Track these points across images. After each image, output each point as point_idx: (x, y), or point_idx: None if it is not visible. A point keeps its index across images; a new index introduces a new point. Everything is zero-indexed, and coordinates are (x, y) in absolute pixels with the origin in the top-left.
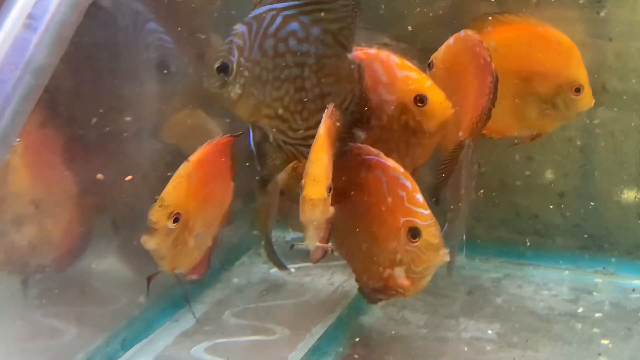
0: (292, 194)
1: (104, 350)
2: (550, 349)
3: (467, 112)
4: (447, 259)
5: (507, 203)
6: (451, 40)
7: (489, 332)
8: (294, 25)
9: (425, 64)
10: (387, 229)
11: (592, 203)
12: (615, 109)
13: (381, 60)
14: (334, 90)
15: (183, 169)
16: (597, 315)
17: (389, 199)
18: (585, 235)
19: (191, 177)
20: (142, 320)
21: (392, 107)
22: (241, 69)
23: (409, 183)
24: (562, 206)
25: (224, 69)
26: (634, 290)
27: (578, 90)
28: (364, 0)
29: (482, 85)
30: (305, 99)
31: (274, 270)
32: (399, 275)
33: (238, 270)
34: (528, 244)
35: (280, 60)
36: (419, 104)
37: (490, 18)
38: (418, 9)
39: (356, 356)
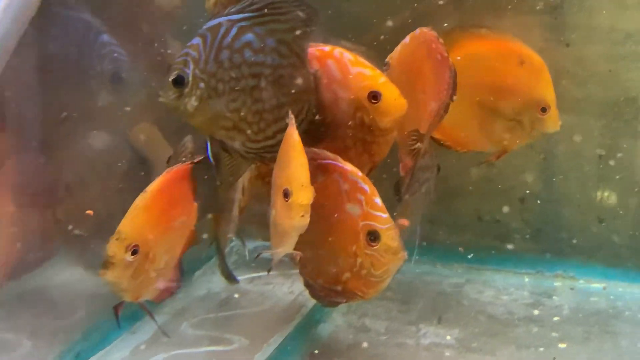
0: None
1: None
2: (508, 353)
3: (427, 109)
4: (406, 261)
5: (469, 208)
6: (407, 38)
7: (448, 337)
8: (249, 36)
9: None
10: (346, 233)
11: (552, 207)
12: (574, 114)
13: (335, 57)
14: (291, 100)
15: (140, 199)
16: (556, 319)
17: (348, 203)
18: (546, 239)
19: (149, 207)
20: (97, 333)
21: (347, 104)
22: (197, 81)
23: (368, 187)
24: (523, 211)
25: (179, 81)
26: (594, 292)
27: (544, 110)
28: (331, 14)
29: (440, 81)
30: (262, 110)
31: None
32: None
33: (198, 280)
34: (489, 248)
35: (237, 71)
36: (373, 101)
37: (463, 31)
38: (384, 20)
39: None
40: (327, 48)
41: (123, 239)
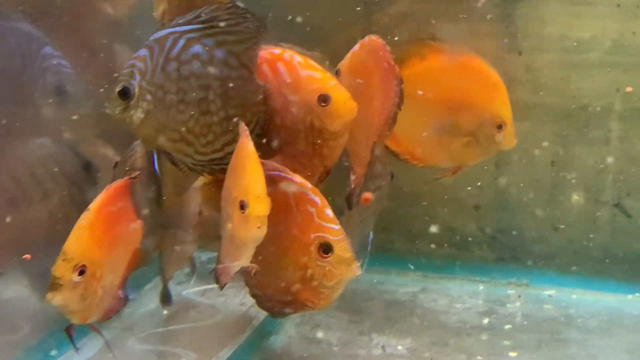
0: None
1: None
2: None
3: (376, 117)
4: (359, 272)
5: (424, 216)
6: (357, 46)
7: (399, 347)
8: (197, 48)
9: None
10: (296, 245)
11: (506, 214)
12: (527, 122)
13: (285, 60)
14: (240, 113)
15: (84, 218)
16: (508, 327)
17: (298, 215)
18: (500, 247)
19: (92, 225)
20: (40, 351)
21: (297, 108)
22: (143, 93)
23: (318, 199)
24: (478, 218)
25: (125, 93)
26: (547, 300)
27: (500, 127)
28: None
29: (387, 89)
30: (211, 122)
31: (186, 291)
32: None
33: (148, 293)
34: (444, 256)
35: (184, 83)
36: (323, 104)
37: (422, 44)
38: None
39: None
40: (277, 51)
41: (69, 260)
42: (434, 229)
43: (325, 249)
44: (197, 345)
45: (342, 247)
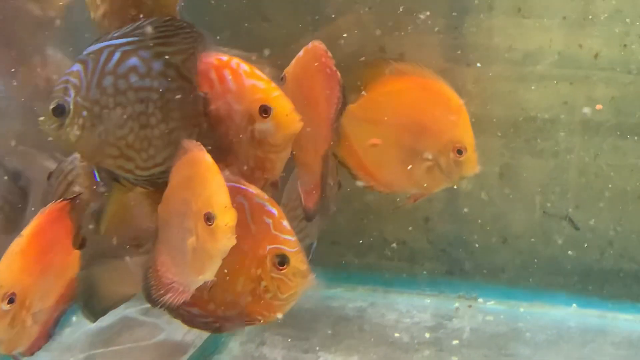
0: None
1: None
2: None
3: (322, 124)
4: (314, 284)
5: (374, 229)
6: (301, 52)
7: None
8: (133, 60)
9: None
10: (250, 257)
11: (456, 227)
12: (475, 133)
13: (231, 67)
14: (181, 125)
15: (16, 244)
16: (455, 342)
17: (253, 226)
18: (450, 260)
19: (25, 252)
20: None
21: (240, 117)
22: (79, 109)
23: (275, 210)
24: (428, 231)
25: (59, 110)
26: (495, 313)
27: (460, 152)
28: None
29: (331, 95)
30: (151, 136)
31: (128, 310)
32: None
33: None
34: (394, 270)
35: (122, 97)
36: (264, 115)
37: (388, 64)
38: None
39: None
40: (225, 58)
41: None
42: (384, 242)
43: (281, 260)
44: None
45: (298, 259)
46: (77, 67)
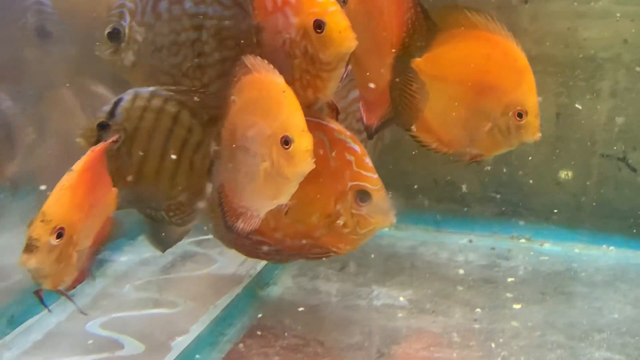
0: None
1: None
2: (462, 314)
3: (385, 39)
4: (394, 221)
5: (425, 172)
6: None
7: (401, 299)
8: None
9: None
10: (329, 192)
11: (509, 169)
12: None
13: None
14: (234, 55)
15: (66, 179)
16: (511, 280)
17: (333, 162)
18: (503, 202)
19: (74, 187)
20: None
21: (295, 31)
22: (134, 34)
23: (357, 147)
24: (480, 173)
25: (115, 34)
26: (548, 255)
27: (521, 115)
28: None
29: (399, 8)
30: (205, 65)
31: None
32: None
33: (142, 242)
34: (445, 211)
35: (176, 24)
36: (317, 30)
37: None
38: None
39: (263, 327)
40: None
41: (48, 221)
42: (434, 184)
43: (363, 197)
44: (194, 294)
45: (380, 197)
46: None
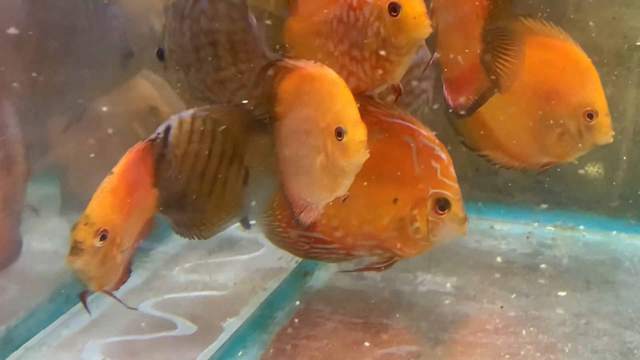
0: None
1: (47, 307)
2: (507, 301)
3: (471, 20)
4: (465, 234)
5: (467, 160)
6: None
7: (447, 285)
8: (203, 3)
9: None
10: (407, 196)
11: None
12: None
13: None
14: (249, 67)
15: (107, 182)
16: (556, 268)
17: (418, 167)
18: (546, 191)
19: (116, 190)
20: None
21: (369, 11)
22: (170, 52)
23: (444, 155)
24: None
25: (160, 54)
26: (593, 244)
27: (591, 116)
28: None
29: None
30: (224, 79)
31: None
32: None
33: None
34: (488, 200)
35: (196, 40)
36: (392, 13)
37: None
38: None
39: (311, 311)
40: None
41: (92, 224)
42: (476, 172)
43: (443, 205)
44: (243, 277)
45: (459, 207)
46: (169, 9)
